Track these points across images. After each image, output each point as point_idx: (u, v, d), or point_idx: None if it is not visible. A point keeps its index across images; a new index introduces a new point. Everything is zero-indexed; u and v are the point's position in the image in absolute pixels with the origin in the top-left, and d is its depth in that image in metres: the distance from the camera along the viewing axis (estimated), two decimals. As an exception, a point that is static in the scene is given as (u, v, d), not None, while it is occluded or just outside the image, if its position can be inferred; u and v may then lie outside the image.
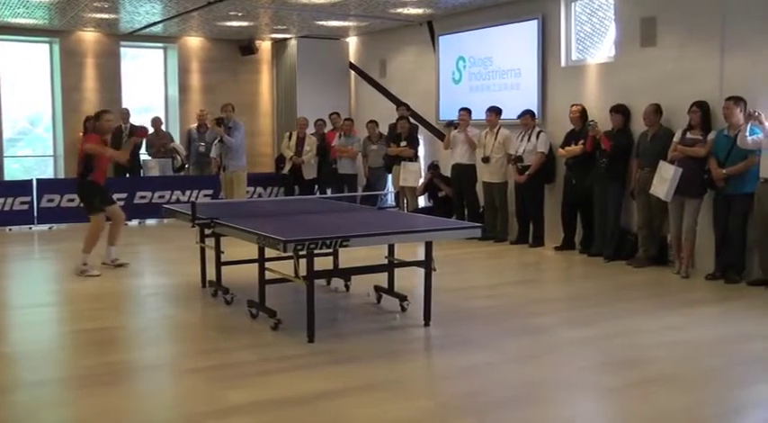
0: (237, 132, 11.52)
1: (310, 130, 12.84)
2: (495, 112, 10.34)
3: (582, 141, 9.15)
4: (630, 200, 8.82)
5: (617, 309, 6.71)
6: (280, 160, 13.37)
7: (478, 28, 11.27)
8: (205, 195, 12.43)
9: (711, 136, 7.80)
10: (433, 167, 11.52)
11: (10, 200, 11.69)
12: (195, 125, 13.53)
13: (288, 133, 13.00)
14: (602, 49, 9.68)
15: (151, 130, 13.23)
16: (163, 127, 13.67)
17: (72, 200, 10.89)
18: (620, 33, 9.20)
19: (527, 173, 9.84)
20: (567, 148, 9.38)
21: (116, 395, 4.57)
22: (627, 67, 9.05)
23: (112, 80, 14.01)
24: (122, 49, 14.19)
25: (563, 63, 10.08)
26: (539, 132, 9.88)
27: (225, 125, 11.43)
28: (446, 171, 11.20)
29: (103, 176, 8.45)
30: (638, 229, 8.68)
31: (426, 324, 6.05)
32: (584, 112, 9.37)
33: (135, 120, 13.29)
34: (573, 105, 9.46)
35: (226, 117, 11.54)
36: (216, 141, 11.80)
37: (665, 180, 7.92)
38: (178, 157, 13.17)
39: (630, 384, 4.64)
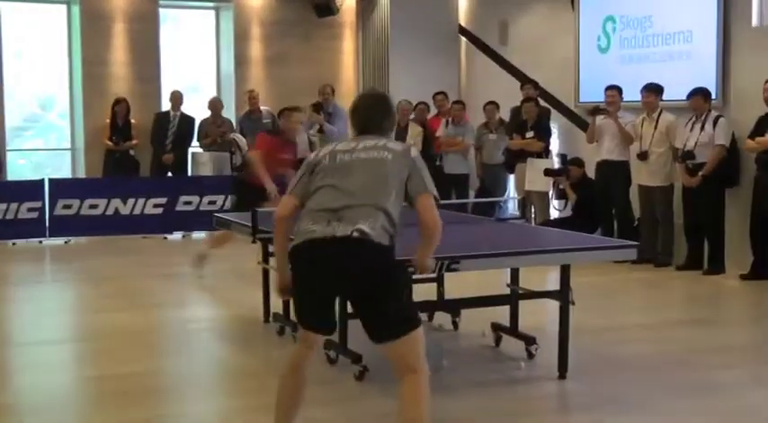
0: (339, 120, 12.11)
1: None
2: (654, 91, 10.22)
3: (781, 130, 8.98)
4: None
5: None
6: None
7: (634, -23, 11.20)
8: (268, 202, 12.53)
9: None
10: (564, 165, 11.47)
11: (15, 206, 11.72)
12: (247, 110, 13.60)
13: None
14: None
15: (207, 114, 13.49)
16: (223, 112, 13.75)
17: (95, 206, 11.00)
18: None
19: (701, 173, 9.67)
20: (760, 138, 9.19)
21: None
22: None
23: (149, 51, 14.10)
24: (162, 11, 14.32)
25: (755, 22, 9.82)
26: (716, 118, 9.70)
27: (325, 111, 11.77)
28: (590, 170, 11.08)
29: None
30: None
31: (562, 376, 6.01)
32: (784, 91, 9.18)
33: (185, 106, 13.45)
34: (768, 81, 9.28)
35: (324, 101, 11.90)
36: (314, 131, 12.14)
37: None
38: (239, 153, 13.18)
39: None
